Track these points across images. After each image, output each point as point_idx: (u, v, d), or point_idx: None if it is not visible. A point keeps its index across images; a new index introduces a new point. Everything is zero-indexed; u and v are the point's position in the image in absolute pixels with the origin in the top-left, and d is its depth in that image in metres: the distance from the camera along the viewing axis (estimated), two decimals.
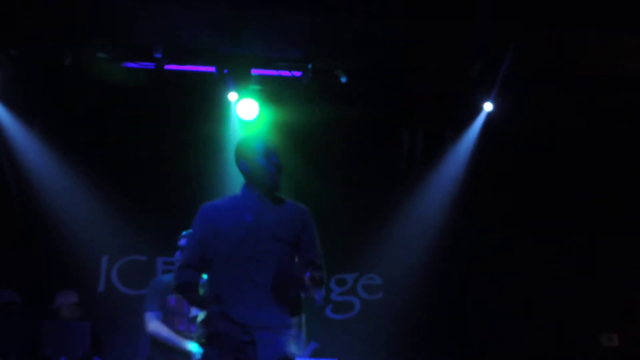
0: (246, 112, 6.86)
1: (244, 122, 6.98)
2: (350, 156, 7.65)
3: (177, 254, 5.28)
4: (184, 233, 5.24)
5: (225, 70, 6.48)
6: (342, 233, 7.62)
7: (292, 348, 3.66)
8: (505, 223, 7.65)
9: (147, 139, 7.32)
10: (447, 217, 7.60)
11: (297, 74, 6.68)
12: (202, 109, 6.96)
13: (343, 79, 6.69)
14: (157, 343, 5.20)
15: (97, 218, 7.36)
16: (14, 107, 6.75)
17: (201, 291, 4.09)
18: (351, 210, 7.77)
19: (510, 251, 7.68)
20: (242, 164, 3.73)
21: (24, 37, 6.21)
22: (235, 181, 6.11)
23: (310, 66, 6.61)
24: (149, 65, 6.46)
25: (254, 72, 6.58)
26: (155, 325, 5.18)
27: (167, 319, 5.27)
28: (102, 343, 6.81)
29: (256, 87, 6.79)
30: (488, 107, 6.77)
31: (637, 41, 6.24)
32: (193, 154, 7.29)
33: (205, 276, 4.06)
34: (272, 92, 6.85)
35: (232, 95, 6.66)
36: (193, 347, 5.05)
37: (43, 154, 7.10)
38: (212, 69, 6.56)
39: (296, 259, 3.77)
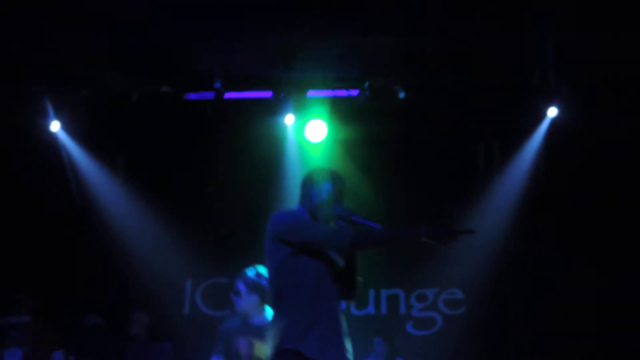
0: (314, 133, 6.69)
1: (308, 144, 6.84)
2: (419, 172, 7.32)
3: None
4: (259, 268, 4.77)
5: (282, 94, 6.37)
6: (421, 249, 7.16)
7: None
8: (575, 233, 7.08)
9: (216, 167, 7.27)
10: (520, 226, 7.10)
11: (354, 92, 6.45)
12: (260, 133, 6.84)
13: (401, 95, 6.39)
14: None
15: (179, 245, 7.31)
16: (90, 146, 6.84)
17: None
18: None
19: (582, 262, 7.06)
20: (311, 190, 3.57)
21: (93, 77, 6.32)
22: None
23: (366, 84, 6.35)
24: (209, 95, 6.42)
25: (311, 94, 6.44)
26: None
27: None
28: None
29: (318, 109, 6.57)
30: (552, 112, 6.27)
31: None
32: (258, 177, 7.14)
33: None
34: (332, 112, 6.59)
35: (288, 119, 6.53)
36: None
37: (125, 189, 7.17)
38: (268, 94, 6.45)
39: None
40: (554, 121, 6.37)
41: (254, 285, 4.66)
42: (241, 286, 4.69)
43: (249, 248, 5.60)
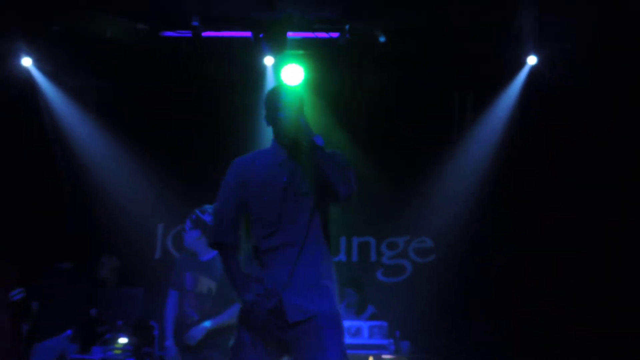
0: (291, 77, 6.40)
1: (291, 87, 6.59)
2: (396, 120, 7.18)
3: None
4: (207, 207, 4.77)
5: (261, 35, 6.10)
6: (391, 198, 7.33)
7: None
8: (547, 177, 7.00)
9: (189, 108, 7.07)
10: (492, 175, 7.03)
11: (334, 35, 6.20)
12: (239, 75, 6.62)
13: (382, 39, 6.17)
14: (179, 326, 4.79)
15: (152, 189, 7.16)
16: (63, 84, 6.59)
17: None
18: (401, 175, 7.34)
19: (557, 206, 7.00)
20: (266, 118, 3.42)
21: (66, 13, 5.98)
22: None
23: (347, 27, 6.12)
24: (187, 33, 6.14)
25: (290, 35, 6.15)
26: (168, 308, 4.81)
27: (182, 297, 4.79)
28: (156, 307, 6.60)
29: (296, 52, 6.37)
30: (532, 60, 6.16)
31: None
32: (234, 120, 6.95)
33: None
34: (310, 55, 6.41)
35: (268, 60, 6.33)
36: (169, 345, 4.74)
37: (93, 132, 6.92)
38: (248, 34, 6.18)
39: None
40: (533, 70, 6.27)
41: (197, 221, 4.74)
42: (187, 222, 4.79)
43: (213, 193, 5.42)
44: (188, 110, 7.04)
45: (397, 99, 7.10)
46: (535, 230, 7.09)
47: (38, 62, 6.23)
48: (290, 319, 3.15)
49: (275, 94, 3.39)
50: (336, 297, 3.46)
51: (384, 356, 6.46)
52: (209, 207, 4.71)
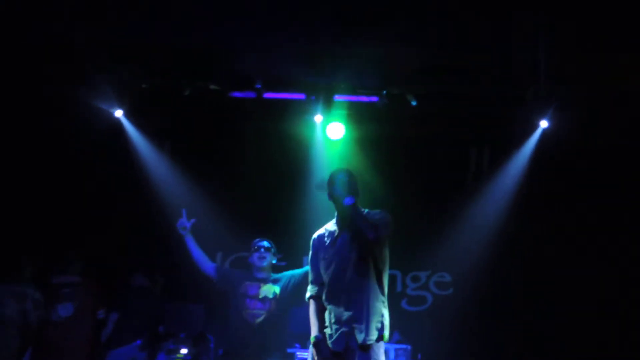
0: (334, 132, 6.74)
1: (331, 141, 6.88)
2: (423, 169, 7.43)
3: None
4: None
5: (312, 97, 6.43)
6: (417, 237, 7.46)
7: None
8: (554, 229, 7.25)
9: (252, 156, 7.30)
10: (506, 223, 7.20)
11: (374, 98, 6.51)
12: (294, 130, 6.91)
13: (413, 103, 6.45)
14: (235, 333, 5.26)
15: (213, 221, 7.23)
16: (147, 133, 6.88)
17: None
18: (425, 217, 7.52)
19: (565, 254, 7.22)
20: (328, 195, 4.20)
21: (153, 73, 6.36)
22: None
23: (384, 92, 6.43)
24: (251, 94, 6.48)
25: (337, 98, 6.47)
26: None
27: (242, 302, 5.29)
28: (214, 323, 6.70)
29: (341, 112, 6.63)
30: (544, 124, 6.33)
31: None
32: (288, 168, 7.22)
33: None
34: (353, 115, 6.67)
35: (317, 118, 6.58)
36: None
37: (172, 170, 7.19)
38: (302, 96, 6.51)
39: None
40: (545, 132, 6.40)
41: (273, 249, 5.52)
42: (264, 250, 5.50)
43: (270, 227, 5.92)
44: (250, 159, 7.27)
45: (425, 152, 7.28)
46: (545, 267, 7.20)
47: (128, 114, 6.53)
48: None
49: (333, 177, 4.10)
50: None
51: None
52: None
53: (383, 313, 3.97)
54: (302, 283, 5.16)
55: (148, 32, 5.77)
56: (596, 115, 6.38)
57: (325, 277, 4.08)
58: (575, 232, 7.23)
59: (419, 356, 6.76)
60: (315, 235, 4.25)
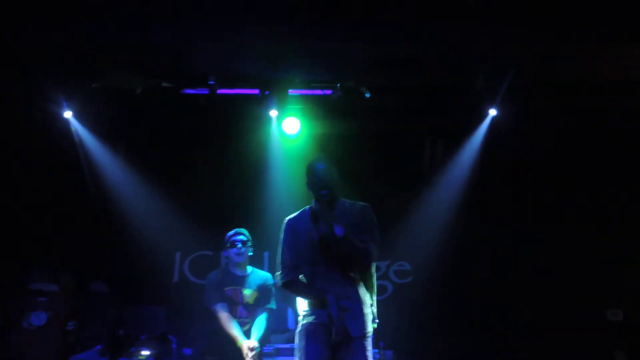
0: (289, 128, 6.69)
1: (286, 136, 6.83)
2: (379, 161, 7.40)
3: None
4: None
5: (267, 92, 6.33)
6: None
7: None
8: (507, 214, 7.33)
9: (206, 153, 7.21)
10: (464, 210, 7.25)
11: (328, 92, 6.45)
12: (248, 125, 6.80)
13: (367, 95, 6.40)
14: (216, 334, 5.10)
15: (171, 221, 7.24)
16: (99, 134, 6.73)
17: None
18: (383, 208, 7.30)
19: (521, 237, 7.32)
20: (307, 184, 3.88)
21: (103, 73, 6.17)
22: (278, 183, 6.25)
23: (338, 85, 6.37)
24: (204, 91, 6.33)
25: (291, 92, 6.39)
26: (225, 317, 5.11)
27: (228, 309, 5.15)
28: (175, 324, 6.65)
29: (296, 106, 6.58)
30: (492, 112, 6.41)
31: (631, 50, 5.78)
32: (244, 164, 7.12)
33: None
34: (308, 109, 6.63)
35: (272, 112, 6.51)
36: (244, 339, 5.03)
37: (126, 171, 7.04)
38: (256, 91, 6.40)
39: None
40: (495, 120, 6.51)
41: (249, 242, 5.34)
42: (240, 243, 5.28)
43: (230, 225, 5.63)
44: (204, 155, 7.17)
45: (380, 144, 7.28)
46: (501, 253, 7.29)
47: (77, 114, 6.35)
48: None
49: (313, 169, 3.84)
50: None
51: None
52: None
53: (372, 303, 3.86)
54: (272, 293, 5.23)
55: (98, 30, 5.57)
56: (543, 102, 6.45)
57: (307, 270, 3.81)
58: (528, 217, 7.34)
59: (381, 344, 6.71)
60: (288, 219, 3.92)
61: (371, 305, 3.83)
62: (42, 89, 6.03)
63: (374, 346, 6.66)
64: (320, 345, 3.65)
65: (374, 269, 3.91)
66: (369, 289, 3.82)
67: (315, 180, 3.77)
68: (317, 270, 3.74)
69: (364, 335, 3.67)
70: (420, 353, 6.93)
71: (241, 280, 5.23)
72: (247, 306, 5.17)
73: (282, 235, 3.83)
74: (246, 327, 5.13)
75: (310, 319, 3.73)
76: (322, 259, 3.71)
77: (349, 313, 3.64)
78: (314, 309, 3.73)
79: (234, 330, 5.02)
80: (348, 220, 3.68)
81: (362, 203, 3.90)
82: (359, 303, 3.70)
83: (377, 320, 3.90)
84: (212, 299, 5.16)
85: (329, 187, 3.76)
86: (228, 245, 5.33)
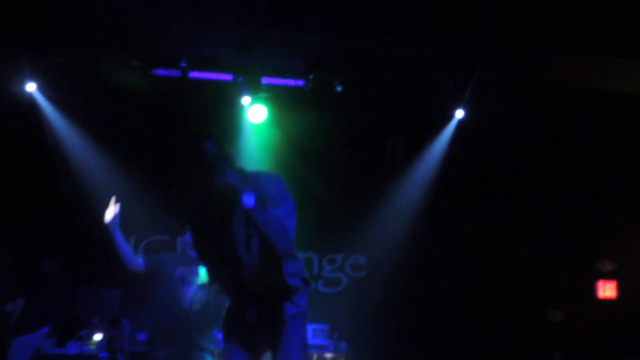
0: (256, 116, 6.53)
1: (253, 125, 6.70)
2: (343, 155, 7.40)
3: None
4: None
5: (240, 79, 6.20)
6: (333, 220, 7.44)
7: None
8: (470, 212, 7.46)
9: (172, 137, 6.71)
10: (422, 208, 7.35)
11: (301, 82, 6.39)
12: (219, 111, 6.64)
13: (339, 88, 6.39)
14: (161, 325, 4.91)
15: (127, 204, 6.77)
16: (66, 110, 6.46)
17: None
18: (342, 201, 7.52)
19: (473, 237, 7.47)
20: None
21: (69, 47, 5.87)
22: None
23: (311, 77, 6.32)
24: (176, 73, 6.15)
25: (264, 80, 6.29)
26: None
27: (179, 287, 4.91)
28: (129, 308, 6.40)
29: (265, 95, 6.45)
30: (459, 114, 6.49)
31: (584, 59, 6.00)
32: None
33: None
34: (278, 98, 6.52)
35: (245, 100, 6.38)
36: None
37: (88, 149, 6.74)
38: (229, 77, 6.27)
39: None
40: (461, 121, 6.60)
41: None
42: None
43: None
44: (170, 138, 6.70)
45: (346, 137, 7.29)
46: (451, 252, 7.47)
47: (41, 88, 6.08)
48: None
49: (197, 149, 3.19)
50: None
51: (325, 355, 6.70)
52: None
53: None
54: None
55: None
56: (510, 105, 6.61)
57: None
58: (482, 217, 7.50)
59: (336, 335, 6.86)
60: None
61: None
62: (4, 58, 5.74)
63: (329, 337, 6.80)
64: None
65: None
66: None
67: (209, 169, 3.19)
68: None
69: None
70: (373, 344, 6.98)
71: (197, 261, 5.09)
72: (202, 286, 4.93)
73: None
74: (196, 307, 4.87)
75: None
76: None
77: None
78: None
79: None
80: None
81: (273, 177, 3.33)
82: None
83: None
84: (146, 261, 4.90)
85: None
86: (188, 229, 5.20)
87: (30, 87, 5.99)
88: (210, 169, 3.12)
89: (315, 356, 6.61)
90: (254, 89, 6.20)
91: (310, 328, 6.42)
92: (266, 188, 3.20)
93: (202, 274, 4.98)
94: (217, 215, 3.22)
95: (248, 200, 3.04)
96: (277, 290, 3.25)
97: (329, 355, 6.65)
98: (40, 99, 6.10)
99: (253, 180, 3.19)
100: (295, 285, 3.31)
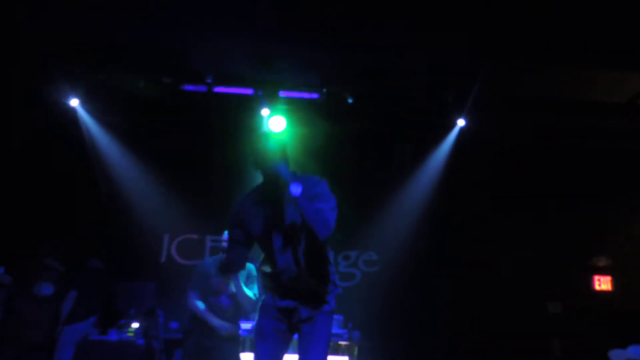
0: (276, 125, 6.90)
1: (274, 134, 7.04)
2: (355, 161, 7.66)
3: (225, 234, 5.15)
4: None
5: (260, 92, 6.61)
6: (348, 220, 7.41)
7: None
8: (473, 212, 7.71)
9: (200, 145, 7.40)
10: (428, 209, 7.64)
11: (315, 95, 6.76)
12: (241, 121, 7.01)
13: (350, 100, 6.75)
14: (196, 317, 5.12)
15: (161, 206, 7.44)
16: (105, 123, 6.91)
17: None
18: (355, 203, 7.48)
19: (476, 234, 7.75)
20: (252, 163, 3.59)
21: (108, 67, 6.37)
22: None
23: (324, 90, 6.71)
24: (202, 88, 6.57)
25: (282, 93, 6.69)
26: (193, 303, 5.10)
27: (211, 297, 5.16)
28: (163, 300, 6.99)
29: (283, 106, 6.85)
30: (461, 122, 6.78)
31: (581, 73, 6.31)
32: (235, 156, 7.05)
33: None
34: (295, 109, 6.90)
35: (264, 111, 6.76)
36: (218, 322, 5.03)
37: (124, 158, 7.21)
38: (250, 91, 6.67)
39: None
40: (463, 130, 6.89)
41: None
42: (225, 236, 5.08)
43: (217, 212, 5.90)
44: (198, 146, 7.38)
45: (357, 144, 7.58)
46: (458, 246, 7.74)
47: (83, 102, 6.55)
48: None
49: (258, 142, 3.47)
50: None
51: (340, 342, 6.93)
52: None
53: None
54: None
55: (108, 27, 5.79)
56: (510, 116, 6.89)
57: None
58: (490, 215, 7.79)
59: (350, 325, 7.11)
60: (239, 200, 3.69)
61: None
62: (48, 79, 6.22)
63: (344, 326, 7.10)
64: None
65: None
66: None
67: (266, 162, 3.50)
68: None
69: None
70: (384, 333, 7.31)
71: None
72: (230, 296, 5.19)
73: None
74: (228, 315, 5.15)
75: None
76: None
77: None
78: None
79: (203, 313, 5.05)
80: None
81: (318, 179, 3.67)
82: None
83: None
84: (190, 286, 5.20)
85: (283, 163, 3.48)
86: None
87: (74, 102, 6.50)
88: (269, 160, 3.43)
89: (331, 344, 6.88)
90: (273, 101, 6.64)
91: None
92: (313, 188, 3.56)
93: (251, 269, 5.20)
94: (269, 220, 3.52)
95: (295, 189, 3.32)
96: (316, 290, 3.68)
97: (343, 342, 6.86)
98: (82, 113, 6.59)
99: (302, 180, 3.52)
100: (330, 288, 3.82)
